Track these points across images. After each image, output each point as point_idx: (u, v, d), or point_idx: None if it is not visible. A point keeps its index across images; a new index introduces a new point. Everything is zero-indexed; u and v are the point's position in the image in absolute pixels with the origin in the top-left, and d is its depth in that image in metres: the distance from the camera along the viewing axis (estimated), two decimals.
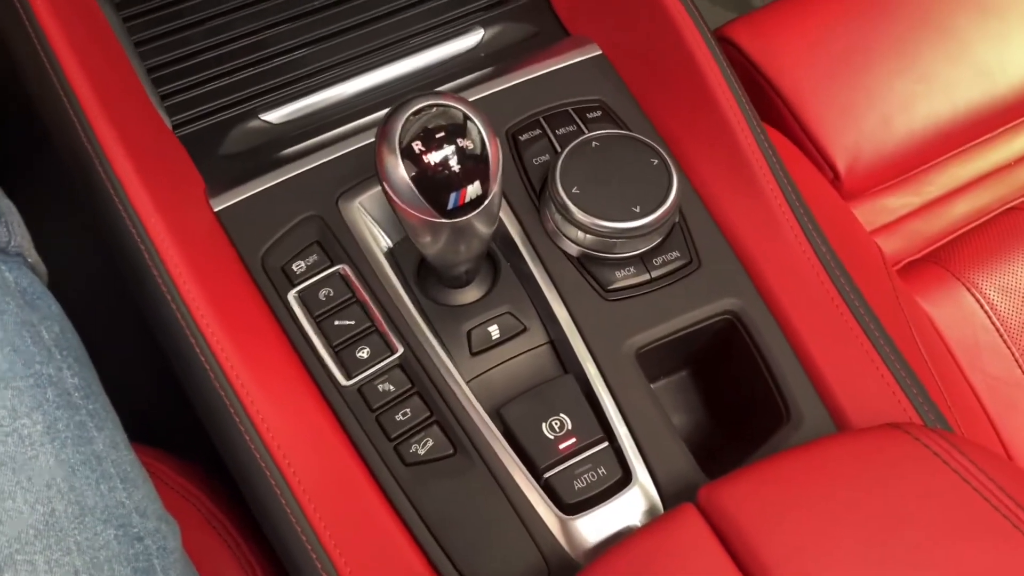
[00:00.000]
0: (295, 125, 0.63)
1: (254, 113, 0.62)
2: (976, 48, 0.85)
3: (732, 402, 0.58)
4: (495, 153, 0.46)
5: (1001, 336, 0.75)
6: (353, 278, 0.55)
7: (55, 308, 0.48)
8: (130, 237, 0.53)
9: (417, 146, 0.45)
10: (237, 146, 0.61)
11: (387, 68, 0.65)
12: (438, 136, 0.45)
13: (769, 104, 0.80)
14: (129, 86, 0.62)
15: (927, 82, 0.83)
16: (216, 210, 0.56)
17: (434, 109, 0.45)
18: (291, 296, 0.54)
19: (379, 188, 0.57)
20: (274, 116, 0.62)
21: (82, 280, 0.67)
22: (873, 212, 0.82)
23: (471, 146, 0.45)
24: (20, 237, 0.48)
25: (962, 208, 0.84)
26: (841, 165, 0.78)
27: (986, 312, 0.75)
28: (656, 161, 0.56)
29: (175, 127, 0.62)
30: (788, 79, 0.79)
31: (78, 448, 0.44)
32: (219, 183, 0.58)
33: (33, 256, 0.50)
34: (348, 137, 0.60)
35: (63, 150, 0.59)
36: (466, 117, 0.45)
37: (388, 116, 0.45)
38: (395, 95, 0.64)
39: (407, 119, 0.45)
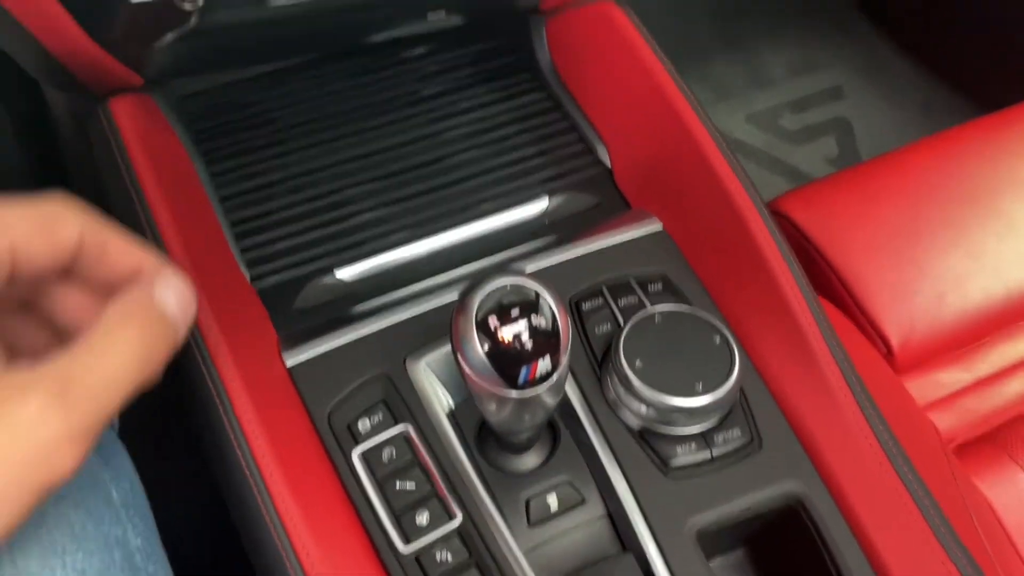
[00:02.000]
0: (367, 283, 0.65)
1: (329, 269, 0.65)
2: (1022, 228, 0.87)
3: None
4: (565, 329, 0.48)
5: None
6: (416, 440, 0.56)
7: (127, 463, 0.49)
8: (206, 388, 0.55)
9: (492, 321, 0.47)
10: (311, 301, 0.64)
11: (457, 230, 0.68)
12: (512, 312, 0.47)
13: (822, 276, 0.82)
14: (214, 238, 0.65)
15: (977, 259, 0.85)
16: (289, 366, 0.58)
17: (508, 286, 0.47)
18: (355, 456, 0.55)
19: (445, 349, 0.59)
20: (348, 273, 0.65)
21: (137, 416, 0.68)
22: (925, 387, 0.82)
23: (543, 323, 0.47)
24: None
25: (1016, 387, 0.83)
26: (895, 341, 0.79)
27: None
28: (719, 339, 0.57)
29: (253, 279, 0.64)
30: (841, 253, 0.81)
31: None
32: (292, 337, 0.60)
33: None
34: (417, 297, 0.63)
35: None
36: (538, 295, 0.47)
37: (466, 292, 0.47)
38: (464, 256, 0.67)
39: (484, 296, 0.47)
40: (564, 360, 0.48)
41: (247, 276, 0.64)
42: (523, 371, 0.47)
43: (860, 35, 1.55)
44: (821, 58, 1.52)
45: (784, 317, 0.62)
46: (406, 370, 0.58)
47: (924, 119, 1.47)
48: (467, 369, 0.47)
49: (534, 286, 0.47)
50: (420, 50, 0.80)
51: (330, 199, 0.69)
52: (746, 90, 1.46)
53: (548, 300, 0.47)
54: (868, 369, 0.64)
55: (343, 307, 0.63)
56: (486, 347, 0.46)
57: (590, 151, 0.74)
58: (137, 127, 0.63)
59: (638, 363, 0.55)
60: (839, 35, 1.55)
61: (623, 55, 0.72)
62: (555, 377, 0.47)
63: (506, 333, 0.46)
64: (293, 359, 0.58)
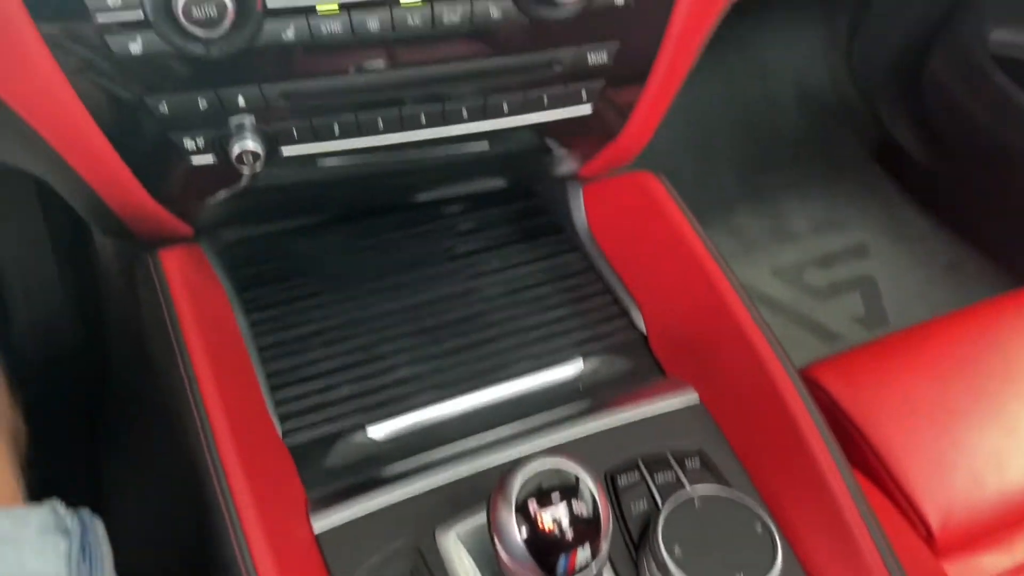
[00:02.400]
0: (398, 442, 0.64)
1: (361, 426, 0.65)
2: None
3: None
4: (606, 516, 0.47)
5: None
6: None
7: None
8: (232, 553, 0.53)
9: (532, 506, 0.46)
10: (341, 459, 0.63)
11: (491, 390, 0.68)
12: (552, 497, 0.46)
13: (857, 450, 0.80)
14: (249, 389, 0.65)
15: (1015, 436, 0.83)
16: (317, 533, 0.57)
17: (548, 469, 0.47)
18: None
19: (475, 520, 0.57)
20: (380, 432, 0.64)
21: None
22: (966, 571, 0.79)
23: (584, 510, 0.46)
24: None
25: None
26: (934, 522, 0.77)
27: None
28: (760, 527, 0.55)
29: (285, 434, 0.64)
30: (876, 427, 0.80)
31: None
32: (321, 499, 0.59)
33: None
34: (448, 460, 0.62)
35: (176, 447, 0.62)
36: (578, 479, 0.47)
37: (505, 476, 0.47)
38: (498, 418, 0.66)
39: (524, 480, 0.46)
40: (604, 548, 0.47)
41: (279, 430, 0.64)
42: (562, 561, 0.46)
43: (883, 194, 1.59)
44: (845, 215, 1.55)
45: (822, 496, 0.60)
46: (436, 542, 0.57)
47: (949, 279, 1.48)
48: (504, 555, 0.46)
49: (574, 469, 0.47)
50: (457, 207, 0.82)
51: (364, 353, 0.69)
52: (771, 243, 1.49)
53: (588, 484, 0.47)
54: (909, 555, 0.62)
55: (373, 468, 0.62)
56: (525, 534, 0.45)
57: (624, 314, 0.74)
58: (184, 279, 0.64)
59: (677, 550, 0.54)
60: (862, 193, 1.59)
61: (659, 224, 0.74)
62: (594, 567, 0.46)
63: (546, 519, 0.46)
64: (321, 525, 0.57)
